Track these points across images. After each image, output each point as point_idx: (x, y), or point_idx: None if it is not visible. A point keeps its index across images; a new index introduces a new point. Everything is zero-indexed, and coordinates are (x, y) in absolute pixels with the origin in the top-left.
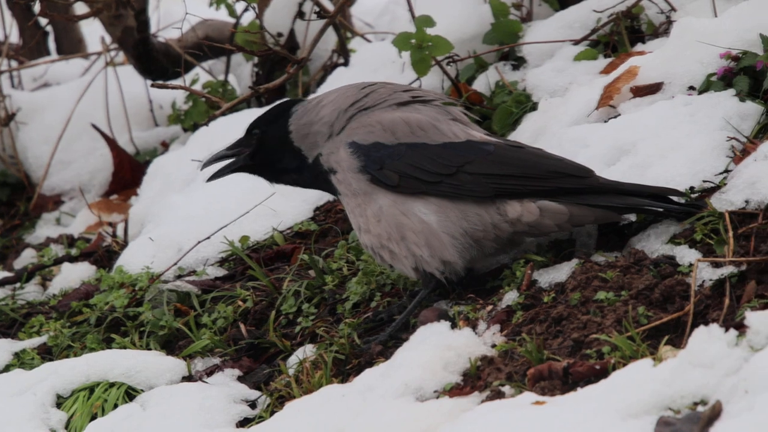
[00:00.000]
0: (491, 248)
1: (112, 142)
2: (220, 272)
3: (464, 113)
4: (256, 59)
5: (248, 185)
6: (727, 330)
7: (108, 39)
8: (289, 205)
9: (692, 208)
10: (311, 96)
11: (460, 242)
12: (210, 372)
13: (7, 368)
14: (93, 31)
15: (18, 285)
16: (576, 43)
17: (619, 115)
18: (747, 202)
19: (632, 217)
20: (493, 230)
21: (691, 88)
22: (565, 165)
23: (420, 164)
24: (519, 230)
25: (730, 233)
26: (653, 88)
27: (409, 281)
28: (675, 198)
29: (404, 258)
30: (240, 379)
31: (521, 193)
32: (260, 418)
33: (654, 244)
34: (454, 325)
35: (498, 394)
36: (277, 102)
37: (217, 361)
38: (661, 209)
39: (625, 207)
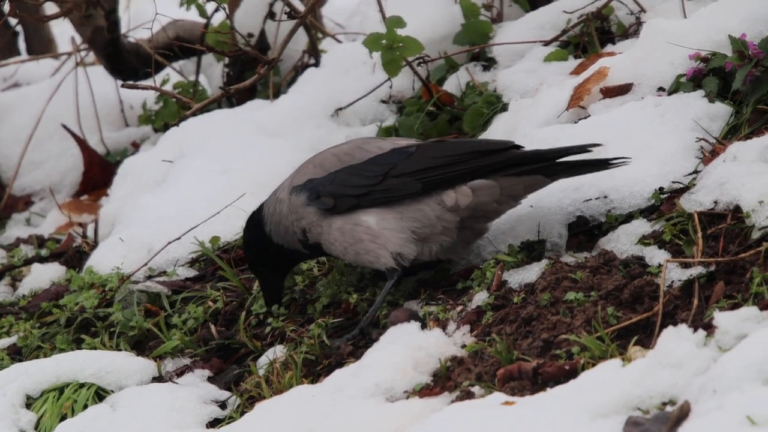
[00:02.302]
0: (447, 241)
1: (82, 143)
2: (191, 273)
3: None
4: (226, 60)
5: (219, 186)
6: (695, 330)
7: (78, 39)
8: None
9: (608, 163)
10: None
11: (401, 237)
12: (180, 372)
13: None
14: (63, 32)
15: None
16: (546, 44)
17: (590, 116)
18: (716, 202)
19: (602, 218)
20: (438, 222)
21: (661, 89)
22: (483, 143)
23: (348, 182)
24: (465, 216)
25: (699, 234)
26: (623, 89)
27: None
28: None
29: (366, 255)
30: (210, 379)
31: (451, 180)
32: (230, 419)
33: (623, 244)
34: (424, 326)
35: (468, 395)
36: (245, 228)
37: (187, 361)
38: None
39: (547, 166)
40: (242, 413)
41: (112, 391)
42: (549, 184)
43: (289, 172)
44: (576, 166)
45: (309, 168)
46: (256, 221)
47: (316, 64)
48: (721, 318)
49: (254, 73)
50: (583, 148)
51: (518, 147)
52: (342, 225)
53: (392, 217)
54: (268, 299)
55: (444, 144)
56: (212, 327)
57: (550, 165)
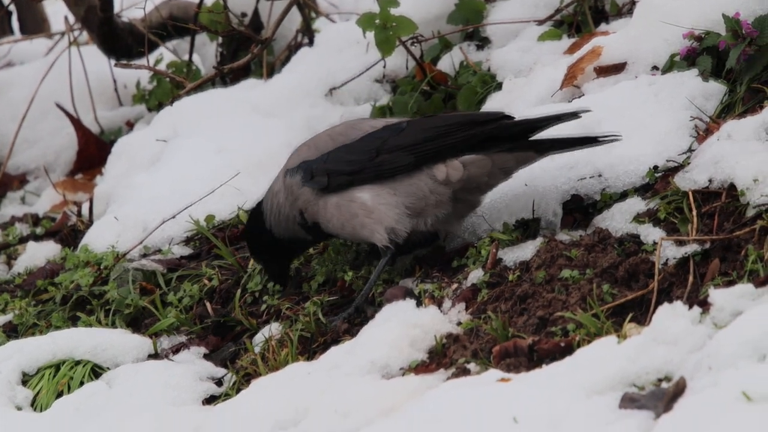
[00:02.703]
0: (442, 213)
1: (76, 122)
2: (186, 251)
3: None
4: (220, 39)
5: (213, 165)
6: (690, 307)
7: (72, 18)
8: (254, 184)
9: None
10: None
11: (396, 212)
12: (176, 350)
13: None
14: (57, 11)
15: None
16: (540, 23)
17: (584, 95)
18: (710, 180)
19: (596, 196)
20: (432, 195)
21: (655, 68)
22: (473, 115)
23: (342, 159)
24: (457, 188)
25: (694, 212)
26: (617, 68)
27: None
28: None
29: (362, 230)
30: (206, 356)
31: (442, 153)
32: (226, 396)
33: (618, 222)
34: (419, 303)
35: (463, 372)
36: (247, 224)
37: (183, 339)
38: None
39: (539, 142)
40: (238, 390)
41: (108, 369)
42: (540, 159)
43: (284, 151)
44: (567, 142)
45: (303, 150)
46: (255, 217)
47: (310, 44)
48: (717, 295)
49: (248, 52)
50: (574, 114)
51: (509, 117)
52: (338, 201)
53: (386, 192)
54: (276, 283)
55: (435, 117)
56: (208, 305)
57: (542, 141)
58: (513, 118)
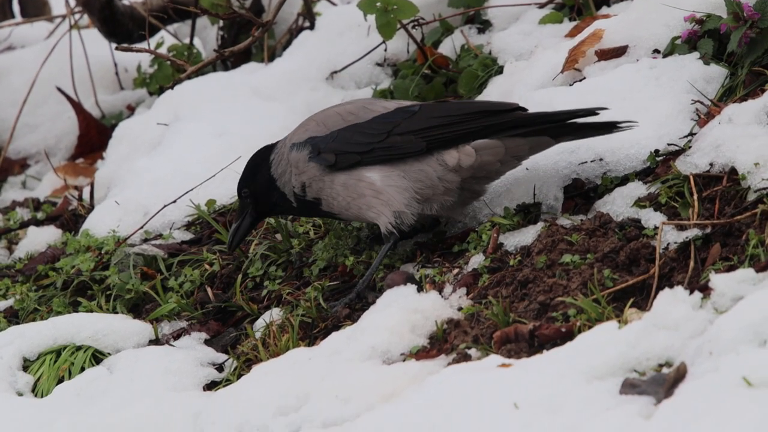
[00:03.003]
0: (449, 201)
1: (77, 106)
2: (187, 236)
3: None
4: (221, 22)
5: (214, 149)
6: (691, 292)
7: (72, 2)
8: None
9: (616, 126)
10: (281, 139)
11: (405, 196)
12: (177, 335)
13: None
14: None
15: None
16: (541, 6)
17: (585, 78)
18: (711, 164)
19: (597, 181)
20: (440, 183)
21: (656, 51)
22: (488, 104)
23: (352, 140)
24: (466, 176)
25: (695, 196)
26: (618, 52)
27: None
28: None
29: (368, 211)
30: (207, 342)
31: (454, 139)
32: (227, 381)
33: (619, 207)
34: (420, 289)
35: (464, 357)
36: (252, 155)
37: (184, 324)
38: (582, 122)
39: (554, 127)
40: (239, 376)
41: (109, 354)
42: (555, 146)
43: (284, 135)
44: (583, 129)
45: (311, 125)
46: (264, 158)
47: (311, 27)
48: (717, 280)
49: (249, 36)
50: (591, 111)
51: (523, 109)
52: (346, 180)
53: (396, 175)
54: (231, 240)
55: (448, 104)
56: (209, 290)
57: (557, 126)
58: (527, 110)
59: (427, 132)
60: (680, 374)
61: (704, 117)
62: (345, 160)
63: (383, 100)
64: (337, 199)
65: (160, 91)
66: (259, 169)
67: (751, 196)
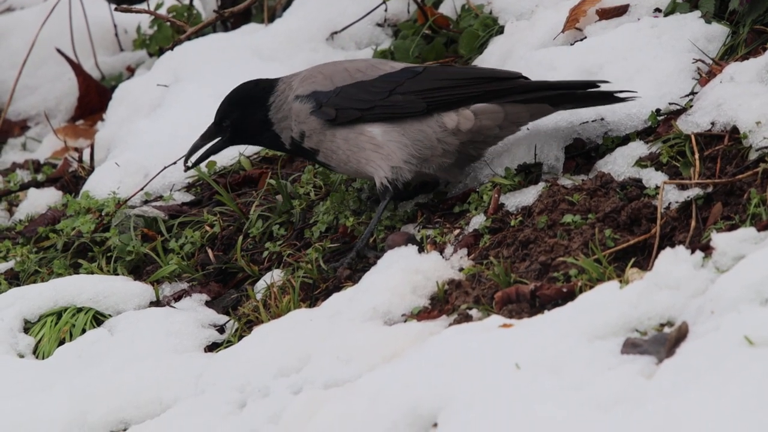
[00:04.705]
0: (446, 163)
1: (77, 67)
2: (187, 197)
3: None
4: None
5: (214, 110)
6: (693, 252)
7: None
8: None
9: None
10: (283, 77)
11: (404, 152)
12: (178, 297)
13: None
14: None
15: None
16: None
17: (586, 37)
18: (713, 124)
19: (598, 140)
20: (439, 145)
21: (657, 10)
22: (492, 71)
23: (355, 96)
24: (465, 140)
25: (696, 155)
26: (619, 11)
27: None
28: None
29: (366, 165)
30: (208, 303)
31: (454, 102)
32: (228, 343)
33: (620, 166)
34: (421, 249)
35: (466, 318)
36: (242, 85)
37: (184, 286)
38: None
39: (554, 96)
40: (240, 337)
41: (110, 316)
42: (554, 113)
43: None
44: (582, 98)
45: (319, 78)
46: (260, 98)
47: None
48: (719, 239)
49: None
50: (592, 84)
51: (526, 78)
52: (347, 134)
53: (396, 132)
54: (192, 158)
55: (452, 67)
56: (209, 251)
57: (557, 95)
58: (528, 79)
59: (429, 93)
60: (682, 334)
61: (705, 76)
62: (345, 115)
63: (393, 61)
64: (337, 152)
65: (160, 52)
66: (251, 107)
67: (753, 155)
